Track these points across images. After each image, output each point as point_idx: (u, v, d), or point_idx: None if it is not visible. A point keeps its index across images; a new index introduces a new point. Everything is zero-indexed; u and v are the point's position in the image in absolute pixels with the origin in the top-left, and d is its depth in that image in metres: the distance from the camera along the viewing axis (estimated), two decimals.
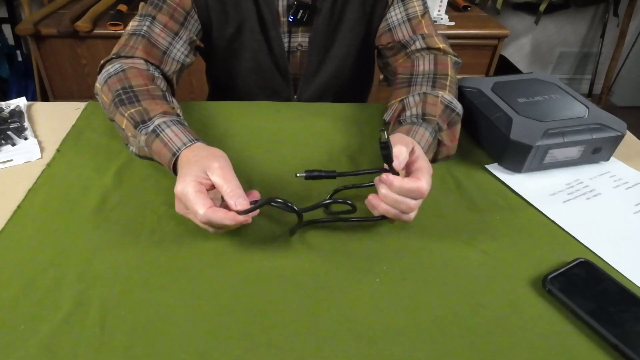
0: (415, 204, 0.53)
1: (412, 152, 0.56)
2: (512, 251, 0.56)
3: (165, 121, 0.59)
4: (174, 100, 0.67)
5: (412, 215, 0.54)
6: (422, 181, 0.52)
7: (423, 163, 0.55)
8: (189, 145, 0.56)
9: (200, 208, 0.49)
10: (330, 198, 0.59)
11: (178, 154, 0.56)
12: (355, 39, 0.87)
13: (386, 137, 0.50)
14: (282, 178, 0.65)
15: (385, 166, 0.54)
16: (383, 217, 0.56)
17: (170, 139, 0.57)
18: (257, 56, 0.85)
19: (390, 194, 0.52)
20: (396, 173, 0.53)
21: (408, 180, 0.52)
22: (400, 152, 0.54)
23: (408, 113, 0.68)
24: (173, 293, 0.48)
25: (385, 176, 0.53)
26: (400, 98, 0.72)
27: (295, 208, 0.51)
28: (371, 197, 0.55)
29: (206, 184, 0.52)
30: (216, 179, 0.51)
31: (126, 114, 0.61)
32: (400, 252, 0.55)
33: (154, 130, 0.58)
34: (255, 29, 0.82)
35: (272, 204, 0.51)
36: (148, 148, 0.59)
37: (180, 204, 0.52)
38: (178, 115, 0.63)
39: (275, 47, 0.84)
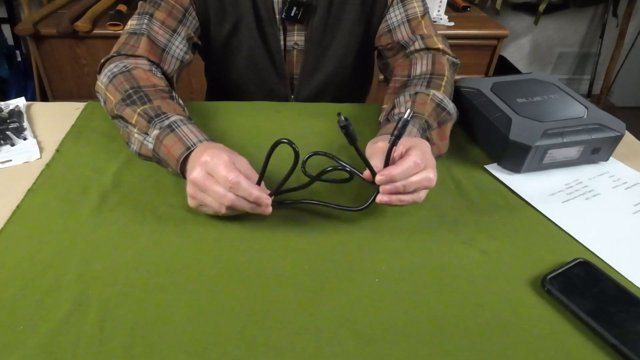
0: (418, 179, 0.54)
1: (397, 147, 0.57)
2: (511, 251, 0.56)
3: (182, 119, 0.61)
4: (181, 103, 0.68)
5: (423, 194, 0.56)
6: (412, 156, 0.54)
7: (410, 142, 0.56)
8: (206, 142, 0.58)
9: (232, 171, 0.51)
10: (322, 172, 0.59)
11: (193, 148, 0.57)
12: (354, 39, 0.86)
13: (343, 118, 0.50)
14: (281, 178, 0.65)
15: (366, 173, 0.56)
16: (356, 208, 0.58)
17: (186, 134, 0.58)
18: (254, 53, 0.85)
19: (395, 184, 0.53)
20: (374, 173, 0.55)
21: (400, 162, 0.54)
22: (376, 164, 0.56)
23: (397, 111, 0.68)
24: (172, 293, 0.48)
25: (383, 171, 0.53)
26: (393, 98, 0.72)
27: (296, 149, 0.51)
28: (380, 197, 0.55)
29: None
30: (245, 171, 0.54)
31: (138, 110, 0.62)
32: (400, 252, 0.55)
33: (169, 125, 0.59)
34: (252, 26, 0.82)
35: (283, 141, 0.51)
36: (157, 142, 0.59)
37: (203, 171, 0.52)
38: (190, 118, 0.64)
39: (272, 44, 0.84)
